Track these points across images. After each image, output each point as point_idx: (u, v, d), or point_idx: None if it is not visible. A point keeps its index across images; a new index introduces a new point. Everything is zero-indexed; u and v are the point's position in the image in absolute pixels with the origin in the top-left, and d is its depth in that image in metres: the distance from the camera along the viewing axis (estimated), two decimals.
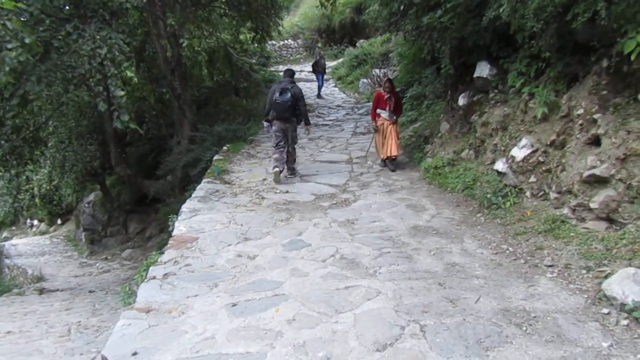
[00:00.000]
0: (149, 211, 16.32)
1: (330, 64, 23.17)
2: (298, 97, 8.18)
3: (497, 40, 7.21)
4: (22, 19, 7.30)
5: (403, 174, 8.38)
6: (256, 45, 16.54)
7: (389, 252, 5.19)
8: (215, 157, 9.76)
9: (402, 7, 8.92)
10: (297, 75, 22.48)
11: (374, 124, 9.05)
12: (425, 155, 8.84)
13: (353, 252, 5.22)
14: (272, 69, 22.18)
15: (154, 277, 4.81)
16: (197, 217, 6.45)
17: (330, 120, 14.04)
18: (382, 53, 19.49)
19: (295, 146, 8.75)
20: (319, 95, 18.51)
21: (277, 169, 8.13)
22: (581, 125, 5.46)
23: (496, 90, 7.39)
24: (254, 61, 19.35)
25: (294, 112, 8.23)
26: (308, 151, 10.42)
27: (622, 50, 4.71)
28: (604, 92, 5.25)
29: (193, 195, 7.40)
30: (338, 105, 16.45)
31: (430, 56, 10.85)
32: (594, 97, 5.35)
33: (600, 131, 5.16)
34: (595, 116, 5.26)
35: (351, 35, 26.20)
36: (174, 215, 6.72)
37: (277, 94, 8.09)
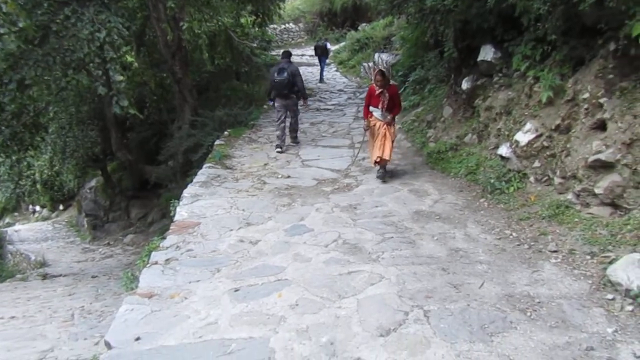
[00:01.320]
0: (151, 196, 16.32)
1: (331, 47, 22.98)
2: (294, 74, 9.11)
3: (502, 23, 7.09)
4: (19, 3, 7.19)
5: (405, 159, 8.32)
6: (257, 29, 16.37)
7: (392, 237, 5.17)
8: (217, 142, 9.71)
9: None
10: (298, 60, 22.39)
11: (364, 122, 7.66)
12: (428, 140, 8.78)
13: (356, 237, 5.20)
14: (273, 53, 21.98)
15: (156, 263, 4.81)
16: (198, 202, 6.43)
17: (332, 104, 13.95)
18: (384, 37, 19.30)
19: (298, 119, 9.79)
20: (321, 80, 18.39)
21: (278, 150, 9.23)
22: (587, 109, 5.39)
23: (500, 74, 7.29)
24: (255, 45, 19.17)
25: (292, 89, 9.16)
26: (310, 136, 10.36)
27: (630, 33, 4.62)
28: (611, 76, 5.16)
29: (194, 180, 7.37)
30: (340, 90, 16.34)
31: (433, 39, 10.68)
32: (600, 81, 5.27)
33: (606, 115, 5.10)
34: (601, 100, 5.19)
35: (353, 19, 25.99)
36: (176, 201, 6.69)
37: (275, 74, 9.09)
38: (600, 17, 5.19)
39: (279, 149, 9.22)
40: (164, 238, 5.46)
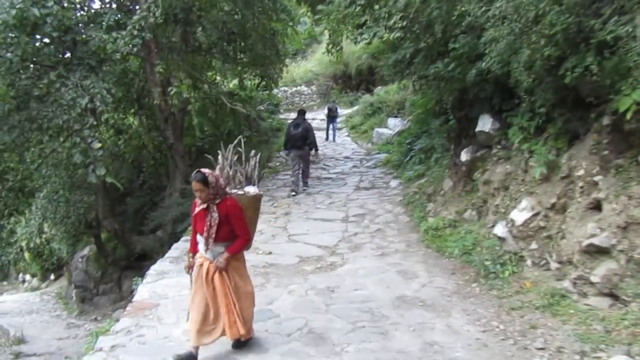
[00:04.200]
0: (146, 267, 16.18)
1: (344, 111, 23.43)
2: (308, 129, 11.21)
3: (500, 92, 7.16)
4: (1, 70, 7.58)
5: (400, 236, 8.18)
6: (263, 92, 16.89)
7: (364, 326, 5.00)
8: None
9: (407, 55, 8.93)
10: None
11: (188, 258, 4.66)
12: (427, 215, 8.65)
13: (324, 325, 5.05)
14: (281, 116, 22.48)
15: (101, 349, 4.74)
16: (163, 281, 6.38)
17: (335, 173, 13.93)
18: (397, 101, 19.58)
19: (309, 167, 12.06)
20: (334, 139, 19.60)
21: (293, 193, 11.23)
22: (582, 187, 5.30)
23: (499, 146, 7.27)
24: (262, 108, 19.68)
25: (305, 142, 11.12)
26: (303, 207, 10.31)
27: (617, 108, 4.61)
28: (605, 152, 5.12)
29: (166, 255, 7.36)
30: (346, 157, 16.42)
31: (438, 107, 10.84)
32: (595, 157, 5.22)
33: (602, 195, 5.00)
34: (596, 178, 5.12)
35: (368, 82, 26.44)
36: (139, 278, 6.65)
37: (291, 128, 11.23)
38: (590, 90, 5.21)
39: (293, 193, 11.22)
40: (118, 321, 5.38)
